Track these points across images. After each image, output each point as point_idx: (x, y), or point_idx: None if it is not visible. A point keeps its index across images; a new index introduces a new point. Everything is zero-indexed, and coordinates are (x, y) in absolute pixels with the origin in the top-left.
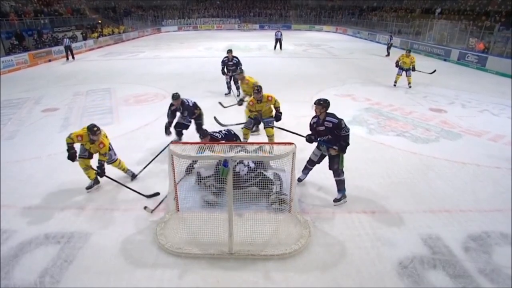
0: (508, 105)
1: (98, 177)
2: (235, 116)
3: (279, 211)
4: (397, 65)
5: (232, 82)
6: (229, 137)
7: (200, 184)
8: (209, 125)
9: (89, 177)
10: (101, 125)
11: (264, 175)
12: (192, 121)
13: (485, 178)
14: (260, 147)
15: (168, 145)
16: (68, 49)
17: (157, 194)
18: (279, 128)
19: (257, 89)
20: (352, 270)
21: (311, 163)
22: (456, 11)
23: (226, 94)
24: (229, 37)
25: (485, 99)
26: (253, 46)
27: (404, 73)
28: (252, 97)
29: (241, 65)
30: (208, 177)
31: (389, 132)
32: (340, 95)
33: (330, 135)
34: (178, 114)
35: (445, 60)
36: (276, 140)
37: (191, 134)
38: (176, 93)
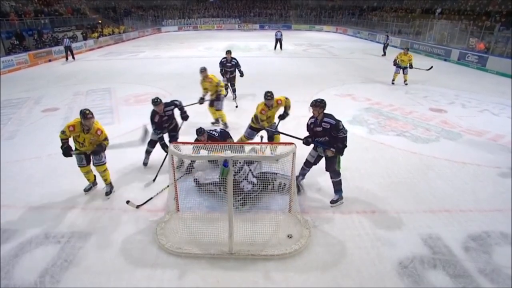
0: (508, 105)
1: (96, 180)
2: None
3: (284, 193)
4: (395, 64)
5: (229, 84)
6: (224, 134)
7: (201, 189)
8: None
9: (88, 179)
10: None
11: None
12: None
13: (485, 178)
14: (256, 148)
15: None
16: (68, 49)
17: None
18: (277, 132)
19: (269, 95)
20: (352, 270)
21: (308, 164)
22: (456, 11)
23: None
24: (229, 37)
25: (485, 99)
26: (253, 46)
27: (401, 71)
28: (263, 104)
29: (240, 67)
30: (209, 184)
31: (389, 132)
32: (340, 95)
33: (327, 136)
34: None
35: (445, 60)
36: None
37: (190, 134)
38: (157, 98)
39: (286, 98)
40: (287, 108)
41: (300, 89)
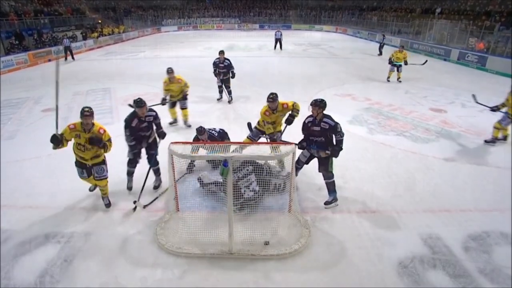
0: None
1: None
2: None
3: (281, 206)
4: (390, 62)
5: (223, 87)
6: (223, 134)
7: (204, 188)
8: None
9: (91, 183)
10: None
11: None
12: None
13: (485, 178)
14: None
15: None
16: (68, 49)
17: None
18: (280, 141)
19: (272, 97)
20: (352, 270)
21: (299, 163)
22: (456, 11)
23: (218, 100)
24: (229, 37)
25: (485, 99)
26: (253, 46)
27: (395, 69)
28: (266, 106)
29: (233, 68)
30: (212, 183)
31: (389, 132)
32: (340, 94)
33: (323, 137)
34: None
35: (445, 60)
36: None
37: (190, 133)
38: (140, 98)
39: (295, 103)
40: (294, 111)
41: (300, 89)
